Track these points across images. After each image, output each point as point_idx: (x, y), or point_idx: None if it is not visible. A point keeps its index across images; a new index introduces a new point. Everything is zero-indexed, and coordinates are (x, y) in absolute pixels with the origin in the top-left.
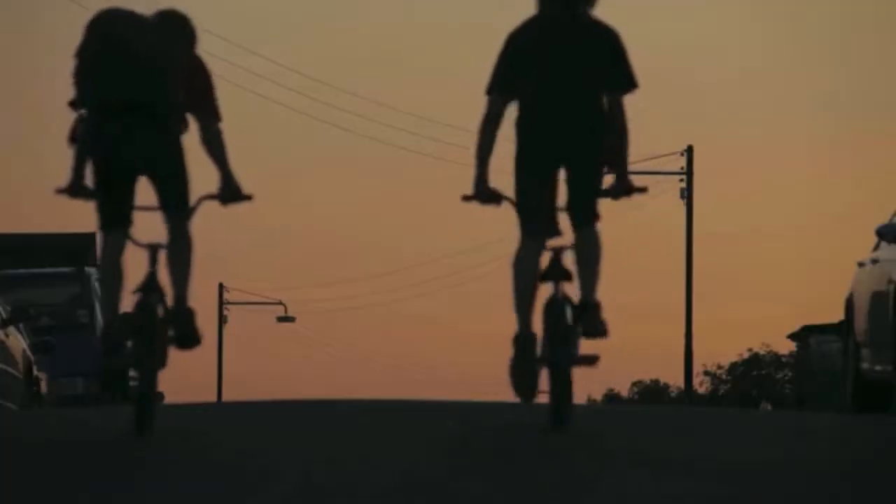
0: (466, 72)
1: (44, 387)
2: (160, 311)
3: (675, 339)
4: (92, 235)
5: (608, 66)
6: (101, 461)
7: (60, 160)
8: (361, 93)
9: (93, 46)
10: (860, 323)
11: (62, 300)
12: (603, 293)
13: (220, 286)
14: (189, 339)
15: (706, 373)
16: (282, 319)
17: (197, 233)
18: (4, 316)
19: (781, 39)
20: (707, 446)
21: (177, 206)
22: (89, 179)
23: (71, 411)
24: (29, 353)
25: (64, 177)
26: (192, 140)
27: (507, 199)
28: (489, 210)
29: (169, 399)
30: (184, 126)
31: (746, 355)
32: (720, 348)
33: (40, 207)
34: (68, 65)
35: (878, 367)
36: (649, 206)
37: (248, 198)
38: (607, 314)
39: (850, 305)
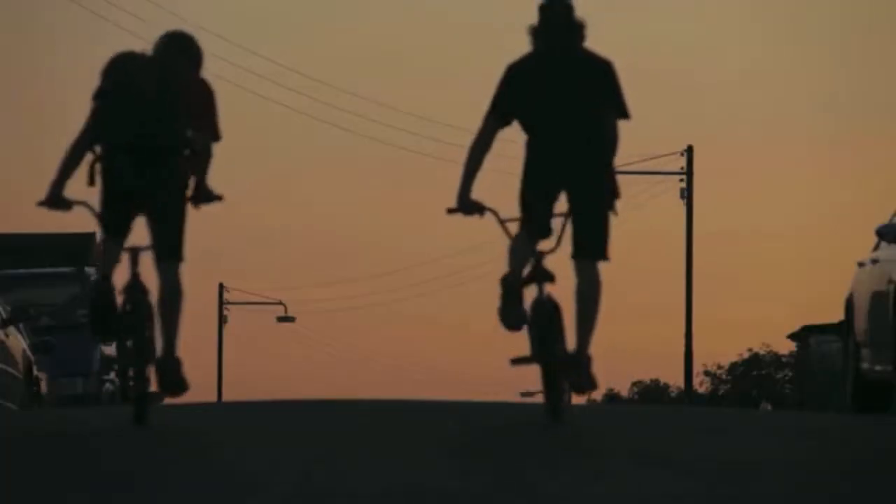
0: (466, 72)
1: (44, 387)
2: (146, 310)
3: (675, 339)
4: (92, 235)
5: (604, 98)
6: (100, 461)
7: (59, 160)
8: (361, 93)
9: (107, 90)
10: (860, 323)
11: (62, 300)
12: (603, 292)
13: (220, 286)
14: (177, 387)
15: (706, 373)
16: (282, 319)
17: (197, 233)
18: (4, 316)
19: (781, 40)
20: (707, 446)
21: (170, 255)
22: (71, 194)
23: (71, 411)
24: (29, 353)
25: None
26: None
27: (489, 209)
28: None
29: (169, 399)
30: (191, 157)
31: (746, 355)
32: (720, 348)
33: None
34: (69, 65)
35: (878, 367)
36: (649, 206)
37: (219, 198)
38: (607, 314)
39: (850, 305)
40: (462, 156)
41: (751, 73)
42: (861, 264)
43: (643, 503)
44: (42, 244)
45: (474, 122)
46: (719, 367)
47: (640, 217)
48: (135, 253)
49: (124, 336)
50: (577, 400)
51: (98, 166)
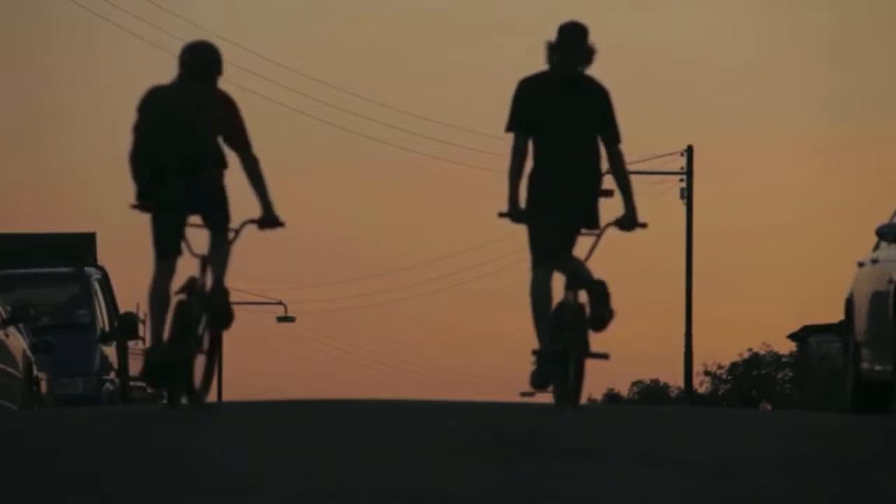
0: (466, 72)
1: (44, 387)
2: (197, 309)
3: (675, 339)
4: (92, 235)
5: (601, 120)
6: (100, 461)
7: (59, 160)
8: (361, 93)
9: (144, 122)
10: (860, 323)
11: (62, 300)
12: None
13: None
14: (223, 316)
15: (706, 373)
16: (282, 319)
17: (195, 231)
18: (4, 316)
19: (782, 40)
20: (707, 446)
21: (217, 224)
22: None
23: (71, 411)
24: (29, 353)
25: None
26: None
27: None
28: (488, 210)
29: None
30: (224, 165)
31: (746, 355)
32: (720, 348)
33: (40, 207)
34: (69, 65)
35: (878, 367)
36: (649, 206)
37: (282, 224)
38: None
39: (850, 305)
40: (462, 156)
41: (751, 73)
42: (861, 264)
43: (643, 503)
44: (42, 244)
45: (474, 122)
46: (719, 367)
47: (641, 217)
48: (204, 261)
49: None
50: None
51: (147, 188)
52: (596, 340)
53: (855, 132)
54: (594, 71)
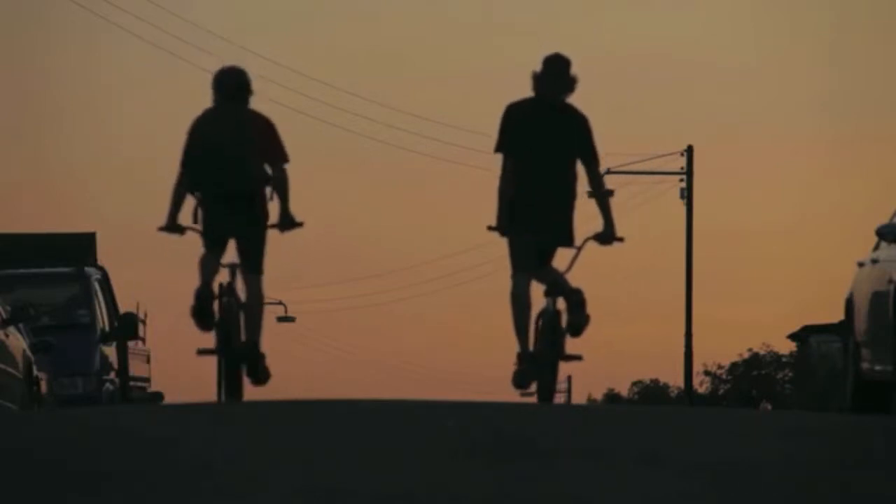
0: (466, 72)
1: (44, 387)
2: (236, 310)
3: (675, 339)
4: (92, 235)
5: (581, 145)
6: (100, 461)
7: (59, 160)
8: (361, 93)
9: (193, 150)
10: (860, 323)
11: (62, 300)
12: (603, 292)
13: (220, 286)
14: (261, 377)
15: (706, 373)
16: (282, 319)
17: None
18: (4, 316)
19: (782, 40)
20: (707, 446)
21: (254, 270)
22: (183, 219)
23: (71, 411)
24: (29, 353)
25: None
26: None
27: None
28: (488, 211)
29: (169, 399)
30: (266, 181)
31: (746, 355)
32: (720, 348)
33: (40, 207)
34: (69, 65)
35: (878, 367)
36: (649, 206)
37: (300, 224)
38: (607, 314)
39: (850, 305)
40: (462, 156)
41: (751, 73)
42: (861, 264)
43: (643, 503)
44: (42, 244)
45: (474, 122)
46: (719, 367)
47: (640, 217)
48: (233, 268)
49: (219, 328)
50: (578, 400)
51: (199, 209)
52: (596, 340)
53: (855, 132)
54: (595, 72)
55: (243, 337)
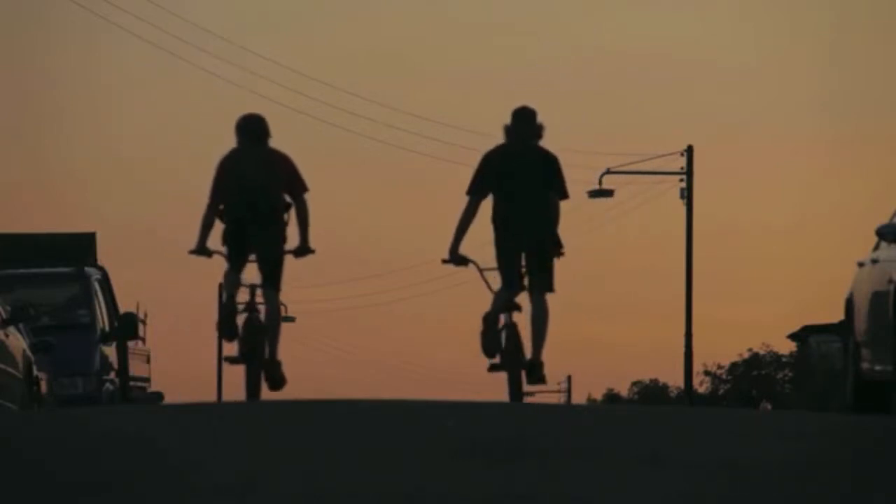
0: (466, 72)
1: (44, 387)
2: (257, 324)
3: (675, 339)
4: (92, 235)
5: (552, 181)
6: (100, 462)
7: (59, 160)
8: (361, 93)
9: (221, 182)
10: (860, 323)
11: (62, 300)
12: (604, 292)
13: (220, 286)
14: (278, 383)
15: (706, 373)
16: (282, 319)
17: (196, 231)
18: (4, 316)
19: (782, 40)
20: (707, 446)
21: (272, 285)
22: (213, 243)
23: (71, 411)
24: (29, 353)
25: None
26: None
27: (472, 262)
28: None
29: (169, 399)
30: (287, 209)
31: (746, 355)
32: (720, 348)
33: (40, 207)
34: (69, 65)
35: (878, 367)
36: (649, 206)
37: (313, 251)
38: (607, 313)
39: (850, 305)
40: (462, 156)
41: (751, 73)
42: (861, 264)
43: (643, 503)
44: (42, 244)
45: (474, 122)
46: (719, 367)
47: (640, 217)
48: (254, 288)
49: (243, 341)
50: (578, 400)
51: (226, 233)
52: (597, 340)
53: (855, 132)
54: (595, 71)
55: (264, 348)
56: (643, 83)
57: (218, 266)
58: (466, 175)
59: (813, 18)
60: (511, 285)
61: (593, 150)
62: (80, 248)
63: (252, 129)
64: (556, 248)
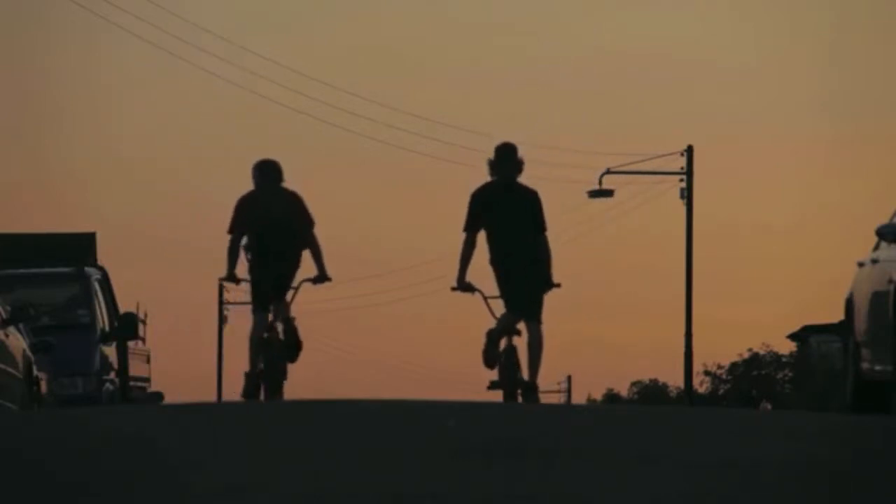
0: (467, 72)
1: (44, 387)
2: (278, 344)
3: (675, 339)
4: (92, 235)
5: (536, 216)
6: (100, 462)
7: (59, 160)
8: (361, 93)
9: (242, 219)
10: (860, 323)
11: (62, 300)
12: (603, 292)
13: (220, 286)
14: (294, 348)
15: (706, 373)
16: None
17: (195, 231)
18: (4, 316)
19: (781, 39)
20: (707, 446)
21: (284, 308)
22: (240, 271)
23: (71, 411)
24: (29, 353)
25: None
26: None
27: (478, 290)
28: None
29: (169, 399)
30: (305, 244)
31: (746, 355)
32: (720, 348)
33: (40, 207)
34: (69, 65)
35: (878, 367)
36: (649, 206)
37: (330, 279)
38: (607, 313)
39: (850, 305)
40: (462, 156)
41: (751, 73)
42: (861, 264)
43: (643, 503)
44: (42, 244)
45: (474, 122)
46: (719, 367)
47: (640, 217)
48: (275, 311)
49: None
50: (578, 400)
51: (252, 264)
52: (597, 340)
53: (855, 132)
54: (595, 71)
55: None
56: (643, 83)
57: (218, 266)
58: (466, 175)
59: (813, 18)
60: (514, 311)
61: (593, 150)
62: (80, 248)
63: (268, 171)
64: (547, 286)
